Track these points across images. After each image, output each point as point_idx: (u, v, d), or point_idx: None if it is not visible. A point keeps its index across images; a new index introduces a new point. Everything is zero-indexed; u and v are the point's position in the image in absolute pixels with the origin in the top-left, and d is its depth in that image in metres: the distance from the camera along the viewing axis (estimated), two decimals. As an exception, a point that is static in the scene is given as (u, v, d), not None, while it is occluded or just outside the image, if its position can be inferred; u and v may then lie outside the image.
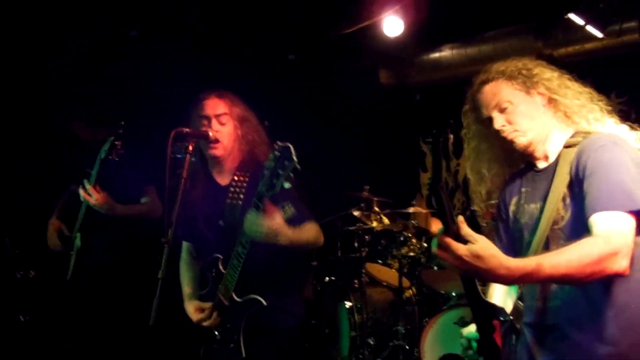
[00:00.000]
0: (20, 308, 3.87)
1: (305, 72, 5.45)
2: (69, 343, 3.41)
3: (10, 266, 3.97)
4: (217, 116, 2.41)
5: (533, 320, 1.80)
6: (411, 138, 6.05)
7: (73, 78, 3.97)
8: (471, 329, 1.97)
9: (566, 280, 1.54)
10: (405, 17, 4.80)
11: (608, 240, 1.51)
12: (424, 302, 4.26)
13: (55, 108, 3.77)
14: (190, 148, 2.32)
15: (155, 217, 3.50)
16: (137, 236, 3.49)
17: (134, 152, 3.22)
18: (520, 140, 1.82)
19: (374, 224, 4.41)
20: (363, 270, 4.18)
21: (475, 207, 2.18)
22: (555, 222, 1.73)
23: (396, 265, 4.02)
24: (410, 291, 4.23)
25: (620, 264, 1.52)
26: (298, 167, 1.98)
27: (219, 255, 2.38)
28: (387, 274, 4.32)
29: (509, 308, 1.91)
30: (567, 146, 1.79)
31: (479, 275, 1.48)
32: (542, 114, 1.82)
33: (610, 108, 1.87)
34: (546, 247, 1.74)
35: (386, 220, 4.38)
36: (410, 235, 4.23)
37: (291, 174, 1.99)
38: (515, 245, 1.92)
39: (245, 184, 2.34)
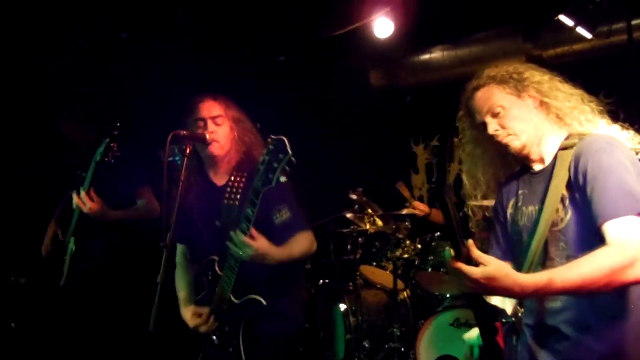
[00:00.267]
0: (12, 315, 3.82)
1: (296, 73, 5.44)
2: (66, 348, 3.36)
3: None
4: (213, 118, 2.42)
5: (534, 321, 1.81)
6: (402, 139, 6.06)
7: (71, 78, 3.94)
8: (472, 334, 1.97)
9: (580, 292, 1.55)
10: (395, 18, 4.82)
11: (622, 250, 1.52)
12: (418, 303, 4.27)
13: (46, 109, 3.73)
14: (188, 150, 2.31)
15: (152, 218, 3.47)
16: (132, 239, 3.46)
17: (128, 154, 3.19)
18: (515, 144, 1.83)
19: (367, 226, 4.41)
20: (357, 273, 4.17)
21: (466, 209, 2.19)
22: (554, 224, 1.74)
23: (390, 267, 4.02)
24: (405, 293, 4.23)
25: (638, 273, 1.52)
26: (293, 159, 1.97)
27: (215, 257, 2.36)
28: (381, 276, 4.32)
29: (509, 309, 1.92)
30: (562, 148, 1.80)
31: (492, 294, 1.50)
32: (534, 116, 1.84)
33: (601, 108, 1.88)
34: (545, 249, 1.76)
35: (379, 222, 4.38)
36: (402, 237, 4.23)
37: (286, 167, 1.98)
38: (514, 248, 1.93)
39: (242, 184, 2.33)
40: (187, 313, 2.43)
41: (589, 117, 1.83)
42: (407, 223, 4.24)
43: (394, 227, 4.32)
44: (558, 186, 1.73)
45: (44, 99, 3.91)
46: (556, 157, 1.80)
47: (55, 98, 3.61)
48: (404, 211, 4.31)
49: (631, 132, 1.81)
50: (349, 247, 4.73)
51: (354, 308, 4.12)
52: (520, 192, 1.92)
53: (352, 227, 4.32)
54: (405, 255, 4.00)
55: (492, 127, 1.84)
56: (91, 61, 3.97)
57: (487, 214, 2.17)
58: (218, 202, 2.38)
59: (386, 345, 4.03)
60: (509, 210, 1.95)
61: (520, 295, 1.52)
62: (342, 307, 4.16)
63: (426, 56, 5.26)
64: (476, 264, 1.48)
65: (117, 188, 3.32)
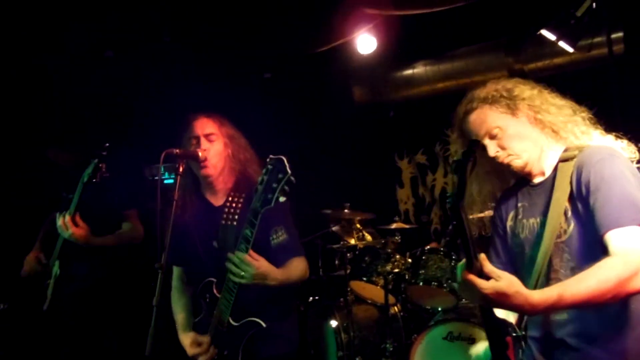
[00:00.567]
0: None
1: (280, 90, 5.45)
2: None
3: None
4: (206, 135, 2.41)
5: (539, 334, 1.81)
6: (387, 154, 6.09)
7: (58, 94, 3.87)
8: (479, 349, 1.96)
9: (589, 305, 1.54)
10: (378, 35, 4.86)
11: (626, 260, 1.52)
12: (409, 318, 4.25)
13: (31, 133, 3.66)
14: (181, 169, 2.28)
15: (136, 243, 3.41)
16: (118, 263, 3.38)
17: (116, 175, 3.13)
18: (517, 163, 1.84)
19: (355, 241, 4.40)
20: (348, 288, 4.14)
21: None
22: (558, 236, 1.74)
23: (381, 282, 4.00)
24: (396, 308, 4.22)
25: None
26: (292, 179, 1.95)
27: (213, 279, 2.32)
28: (371, 291, 4.29)
29: (512, 321, 1.91)
30: (562, 160, 1.81)
31: (502, 308, 1.50)
32: (531, 132, 1.84)
33: (592, 117, 1.90)
34: (549, 261, 1.76)
35: (368, 237, 4.37)
36: (390, 251, 4.22)
37: (286, 187, 1.96)
38: (516, 261, 1.93)
39: (240, 205, 2.31)
40: (186, 339, 2.36)
41: (582, 129, 1.85)
42: (397, 237, 4.23)
43: (382, 241, 4.32)
44: (560, 198, 1.74)
45: (30, 123, 3.84)
46: (556, 170, 1.81)
47: (40, 126, 3.54)
48: (393, 225, 4.30)
49: (625, 142, 1.83)
50: (336, 262, 4.71)
51: (345, 324, 4.08)
52: (520, 204, 1.92)
53: (342, 242, 4.30)
54: (396, 270, 3.98)
55: (492, 149, 1.84)
56: (75, 83, 3.92)
57: (483, 232, 2.17)
58: (215, 223, 2.34)
59: (379, 361, 3.99)
60: (509, 223, 1.95)
61: (530, 313, 1.53)
62: (334, 323, 4.12)
63: (409, 71, 5.32)
64: (488, 277, 1.48)
65: (103, 211, 3.25)
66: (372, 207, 4.94)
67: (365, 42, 4.90)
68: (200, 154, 2.35)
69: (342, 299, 4.22)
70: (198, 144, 2.38)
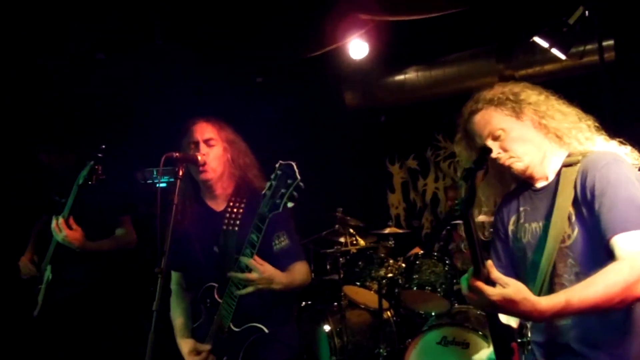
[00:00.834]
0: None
1: (273, 94, 5.44)
2: None
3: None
4: (206, 140, 2.39)
5: (543, 339, 1.82)
6: (378, 159, 6.11)
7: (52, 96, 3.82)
8: (482, 356, 1.96)
9: (596, 310, 1.55)
10: (370, 40, 4.89)
11: (633, 264, 1.53)
12: (402, 323, 4.25)
13: (24, 137, 3.60)
14: (181, 173, 2.26)
15: (129, 249, 3.37)
16: (114, 267, 3.34)
17: (112, 179, 3.09)
18: (518, 166, 1.84)
19: (348, 245, 4.40)
20: (342, 293, 4.13)
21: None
22: (561, 241, 1.75)
23: (375, 286, 3.99)
24: (389, 312, 4.22)
25: None
26: (301, 184, 1.95)
27: (214, 284, 2.29)
28: (365, 295, 4.29)
29: (513, 325, 1.92)
30: (566, 165, 1.82)
31: (508, 315, 1.50)
32: (535, 136, 1.85)
33: (597, 125, 1.91)
34: (553, 266, 1.76)
35: (362, 242, 4.37)
36: (384, 255, 4.23)
37: (295, 193, 1.96)
38: (517, 265, 1.93)
39: (241, 210, 2.29)
40: (185, 346, 2.33)
41: (587, 135, 1.86)
42: (390, 242, 4.23)
43: (375, 246, 4.32)
44: (564, 203, 1.74)
45: (22, 129, 3.79)
46: (559, 174, 1.81)
47: (33, 130, 3.49)
48: (387, 230, 4.31)
49: (629, 148, 1.84)
50: (328, 267, 4.70)
51: (338, 329, 4.07)
52: (521, 208, 1.93)
53: (335, 247, 4.30)
54: (390, 275, 3.98)
55: (495, 150, 1.84)
56: (70, 85, 3.87)
57: (483, 236, 2.17)
58: (217, 228, 2.32)
59: (372, 366, 3.99)
60: (510, 227, 1.96)
61: (538, 320, 1.53)
62: (327, 328, 4.11)
63: (401, 77, 5.35)
64: (495, 284, 1.49)
65: (98, 214, 3.21)
66: (364, 212, 4.95)
67: (357, 47, 4.93)
68: (199, 158, 2.33)
69: (335, 304, 4.21)
70: (197, 148, 2.36)
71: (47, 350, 3.27)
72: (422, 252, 3.95)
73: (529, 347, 1.76)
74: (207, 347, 2.26)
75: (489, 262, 1.50)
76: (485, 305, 1.51)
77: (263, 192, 2.05)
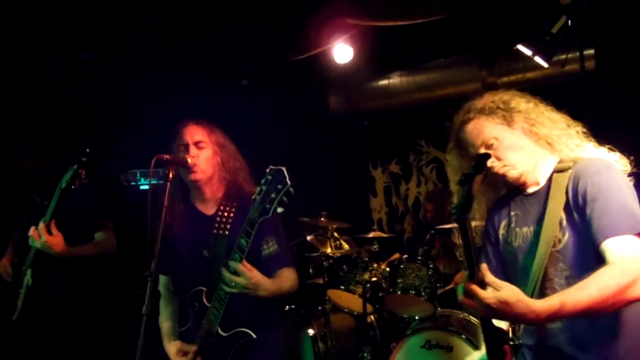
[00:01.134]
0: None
1: (256, 97, 5.42)
2: None
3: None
4: (196, 143, 2.38)
5: (534, 342, 1.83)
6: (361, 163, 6.13)
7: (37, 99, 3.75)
8: (474, 358, 1.98)
9: (589, 314, 1.57)
10: (355, 45, 4.91)
11: (624, 268, 1.56)
12: (385, 326, 4.26)
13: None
14: (171, 175, 2.24)
15: (109, 254, 3.32)
16: (96, 271, 3.28)
17: (94, 183, 3.04)
18: (512, 174, 1.87)
19: (331, 249, 4.40)
20: (326, 297, 4.13)
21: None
22: (552, 245, 1.77)
23: (359, 290, 4.00)
24: (372, 316, 4.23)
25: (639, 292, 1.56)
26: (291, 190, 1.95)
27: (203, 288, 2.27)
28: (349, 299, 4.29)
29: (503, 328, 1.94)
30: (557, 171, 1.85)
31: (505, 319, 1.51)
32: (526, 144, 1.88)
33: (586, 132, 1.95)
34: (544, 269, 1.78)
35: (345, 246, 4.38)
36: (368, 259, 4.24)
37: (284, 198, 1.96)
38: (508, 269, 1.96)
39: (232, 214, 2.28)
40: (172, 348, 2.32)
41: (577, 142, 1.90)
42: (375, 246, 4.25)
43: (358, 250, 4.33)
44: (555, 208, 1.77)
45: (5, 130, 3.71)
46: (551, 180, 1.85)
47: (16, 132, 3.42)
48: (371, 234, 4.32)
49: (618, 154, 1.89)
50: (311, 271, 4.69)
51: (322, 333, 4.06)
52: (512, 213, 1.95)
53: (319, 251, 4.30)
54: (374, 279, 4.00)
55: (489, 159, 1.88)
56: (55, 87, 3.81)
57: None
58: (207, 232, 2.31)
59: (356, 370, 3.99)
60: (501, 231, 1.99)
61: (533, 322, 1.54)
62: (311, 332, 4.10)
63: (385, 82, 5.38)
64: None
65: (79, 219, 3.15)
66: (347, 216, 4.96)
67: (341, 52, 4.94)
68: (189, 160, 2.32)
69: (319, 308, 4.20)
70: (187, 151, 2.35)
71: (24, 356, 3.19)
72: (404, 257, 3.96)
73: (521, 349, 1.79)
74: (193, 347, 2.25)
75: (484, 266, 1.52)
76: (481, 310, 1.52)
77: (253, 196, 2.04)
